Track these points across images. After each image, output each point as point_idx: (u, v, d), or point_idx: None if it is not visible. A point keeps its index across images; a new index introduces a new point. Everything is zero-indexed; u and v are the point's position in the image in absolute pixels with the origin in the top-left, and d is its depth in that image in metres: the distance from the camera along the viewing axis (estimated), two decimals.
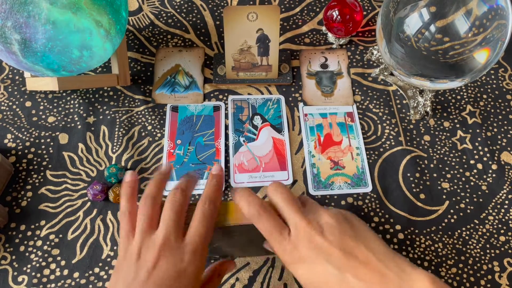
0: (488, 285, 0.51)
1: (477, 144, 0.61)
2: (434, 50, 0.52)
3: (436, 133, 0.62)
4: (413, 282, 0.33)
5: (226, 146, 0.60)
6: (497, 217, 0.56)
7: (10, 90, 0.63)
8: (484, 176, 0.59)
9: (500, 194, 0.57)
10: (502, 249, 0.54)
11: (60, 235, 0.53)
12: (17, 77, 0.65)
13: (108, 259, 0.52)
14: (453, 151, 0.60)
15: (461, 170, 0.59)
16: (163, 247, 0.36)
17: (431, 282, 0.33)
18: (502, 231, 0.55)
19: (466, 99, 0.65)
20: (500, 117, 0.64)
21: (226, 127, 0.61)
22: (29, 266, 0.51)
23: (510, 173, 0.59)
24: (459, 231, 0.55)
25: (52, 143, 0.59)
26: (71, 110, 0.62)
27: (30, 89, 0.62)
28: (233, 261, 0.47)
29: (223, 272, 0.45)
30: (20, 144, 0.59)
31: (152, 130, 0.61)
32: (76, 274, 0.51)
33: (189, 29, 0.71)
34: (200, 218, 0.38)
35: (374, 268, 0.34)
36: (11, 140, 0.59)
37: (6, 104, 0.62)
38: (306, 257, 0.35)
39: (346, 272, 0.34)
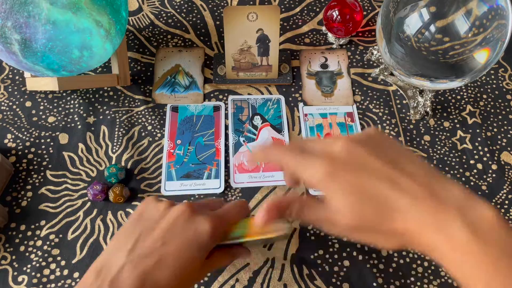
0: None
1: (477, 144, 0.61)
2: (434, 50, 0.52)
3: (436, 133, 0.62)
4: (477, 208, 0.29)
5: (226, 146, 0.60)
6: None
7: (10, 90, 0.63)
8: (484, 176, 0.59)
9: (500, 194, 0.57)
10: None
11: (60, 235, 0.53)
12: (17, 77, 0.65)
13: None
14: (453, 151, 0.60)
15: (461, 170, 0.59)
16: (183, 208, 0.38)
17: (496, 213, 0.28)
18: None
19: (466, 99, 0.65)
20: (500, 117, 0.64)
21: (226, 127, 0.61)
22: (29, 266, 0.51)
23: (510, 173, 0.59)
24: None
25: (52, 143, 0.59)
26: (71, 110, 0.62)
27: (30, 89, 0.62)
28: (250, 251, 0.45)
29: (236, 256, 0.43)
30: (20, 144, 0.59)
31: (152, 130, 0.61)
32: (76, 274, 0.51)
33: (189, 29, 0.71)
34: (226, 207, 0.40)
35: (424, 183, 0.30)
36: (11, 140, 0.59)
37: (6, 104, 0.62)
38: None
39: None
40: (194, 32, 0.70)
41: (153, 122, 0.61)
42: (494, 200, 0.57)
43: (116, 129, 0.60)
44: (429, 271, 0.52)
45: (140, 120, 0.61)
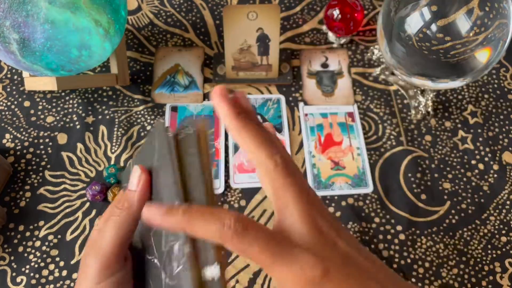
0: (490, 286, 0.51)
1: (478, 144, 0.61)
2: (435, 50, 0.51)
3: (438, 133, 0.62)
4: None
5: (226, 146, 0.59)
6: (498, 217, 0.55)
7: (8, 89, 0.63)
8: (486, 177, 0.58)
9: (502, 195, 0.57)
10: (504, 249, 0.53)
11: (59, 236, 0.52)
12: (15, 77, 0.64)
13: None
14: (455, 151, 0.60)
15: (462, 171, 0.59)
16: None
17: None
18: (503, 232, 0.54)
19: (468, 99, 0.65)
20: (501, 117, 0.63)
21: None
22: (27, 266, 0.50)
23: (511, 174, 0.59)
24: (460, 231, 0.54)
25: (50, 143, 0.59)
26: (70, 110, 0.61)
27: (28, 88, 0.61)
28: None
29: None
30: (19, 144, 0.59)
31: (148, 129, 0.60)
32: (75, 275, 0.50)
33: (189, 28, 0.70)
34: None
35: None
36: (10, 140, 0.59)
37: (4, 104, 0.62)
38: None
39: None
40: (193, 31, 0.70)
41: (152, 122, 0.61)
42: (495, 201, 0.56)
43: (115, 129, 0.60)
44: (430, 272, 0.52)
45: (139, 120, 0.61)
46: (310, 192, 0.27)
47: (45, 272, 0.50)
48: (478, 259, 0.53)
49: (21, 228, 0.53)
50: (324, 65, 0.67)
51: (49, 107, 0.62)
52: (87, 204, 0.55)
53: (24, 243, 0.52)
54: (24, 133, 0.59)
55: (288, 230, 0.25)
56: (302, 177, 0.27)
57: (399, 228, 0.54)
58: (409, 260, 0.52)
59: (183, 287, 0.23)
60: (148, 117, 0.61)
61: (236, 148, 0.59)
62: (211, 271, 0.23)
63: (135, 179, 0.29)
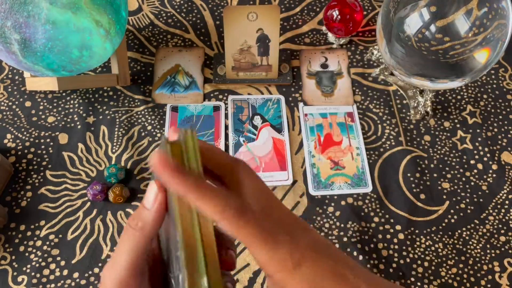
0: (489, 285, 0.51)
1: (477, 144, 0.61)
2: (435, 50, 0.52)
3: (437, 133, 0.62)
4: None
5: (226, 146, 0.60)
6: (497, 217, 0.56)
7: (10, 90, 0.63)
8: (485, 176, 0.58)
9: (501, 194, 0.57)
10: (503, 249, 0.53)
11: (60, 235, 0.53)
12: (16, 77, 0.65)
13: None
14: (454, 151, 0.60)
15: (461, 170, 0.59)
16: None
17: None
18: (502, 231, 0.55)
19: (467, 99, 0.65)
20: (500, 117, 0.64)
21: (226, 127, 0.61)
22: (28, 266, 0.51)
23: (510, 173, 0.59)
24: (459, 231, 0.55)
25: (52, 143, 0.59)
26: (71, 110, 0.62)
27: (30, 89, 0.62)
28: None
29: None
30: (20, 144, 0.59)
31: (152, 130, 0.61)
32: (76, 275, 0.51)
33: (189, 29, 0.71)
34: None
35: None
36: (11, 140, 0.59)
37: (5, 104, 0.62)
38: None
39: None
40: (194, 32, 0.70)
41: (153, 122, 0.61)
42: (494, 200, 0.57)
43: (116, 129, 0.60)
44: (429, 271, 0.52)
45: (140, 120, 0.61)
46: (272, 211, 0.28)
47: (46, 272, 0.50)
48: (477, 259, 0.53)
49: (22, 227, 0.53)
50: (324, 65, 0.68)
51: (50, 107, 0.62)
52: (88, 203, 0.55)
53: (25, 242, 0.52)
54: (25, 133, 0.60)
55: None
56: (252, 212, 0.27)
57: (398, 227, 0.54)
58: (408, 260, 0.52)
59: None
60: (149, 117, 0.61)
61: (236, 148, 0.59)
62: None
63: (152, 196, 0.27)
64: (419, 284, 0.51)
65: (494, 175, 0.58)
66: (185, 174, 0.24)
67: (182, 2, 0.74)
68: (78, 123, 0.61)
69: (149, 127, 0.61)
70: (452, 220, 0.55)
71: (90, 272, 0.51)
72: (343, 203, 0.56)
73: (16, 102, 0.62)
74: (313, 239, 0.28)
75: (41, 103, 0.62)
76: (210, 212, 0.25)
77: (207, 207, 0.25)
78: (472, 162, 0.60)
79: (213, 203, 0.25)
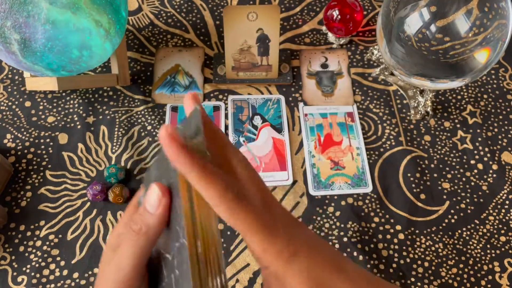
0: (489, 286, 0.51)
1: (477, 144, 0.61)
2: (435, 50, 0.52)
3: (437, 133, 0.62)
4: None
5: None
6: (497, 217, 0.56)
7: (9, 90, 0.63)
8: (485, 176, 0.58)
9: (501, 194, 0.57)
10: (503, 249, 0.53)
11: (60, 235, 0.53)
12: (16, 77, 0.64)
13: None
14: (454, 151, 0.60)
15: (461, 170, 0.59)
16: None
17: None
18: (502, 231, 0.55)
19: (467, 99, 0.65)
20: (500, 117, 0.64)
21: (226, 127, 0.61)
22: (28, 266, 0.51)
23: (510, 173, 0.59)
24: (459, 231, 0.55)
25: (51, 143, 0.59)
26: (71, 110, 0.62)
27: (29, 89, 0.62)
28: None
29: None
30: (20, 144, 0.59)
31: (152, 130, 0.60)
32: (75, 275, 0.50)
33: (189, 28, 0.71)
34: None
35: None
36: (11, 140, 0.59)
37: (5, 104, 0.62)
38: None
39: None
40: (194, 31, 0.70)
41: (152, 122, 0.61)
42: (494, 201, 0.57)
43: (116, 129, 0.60)
44: (430, 272, 0.52)
45: (139, 120, 0.61)
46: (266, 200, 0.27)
47: (46, 272, 0.50)
48: (477, 259, 0.53)
49: (22, 227, 0.53)
50: (324, 65, 0.68)
51: (50, 107, 0.62)
52: (88, 203, 0.55)
53: (25, 242, 0.52)
54: (25, 133, 0.60)
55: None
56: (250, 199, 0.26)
57: (398, 227, 0.54)
58: (408, 260, 0.52)
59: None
60: (149, 117, 0.61)
61: (238, 146, 0.59)
62: None
63: (155, 200, 0.27)
64: (419, 284, 0.51)
65: (495, 175, 0.58)
66: (191, 151, 0.24)
67: (182, 2, 0.73)
68: (78, 123, 0.61)
69: (149, 127, 0.61)
70: (452, 220, 0.55)
71: (90, 272, 0.51)
72: (343, 203, 0.56)
73: (16, 102, 0.62)
74: (310, 235, 0.28)
75: (41, 103, 0.62)
76: (211, 193, 0.24)
77: (208, 187, 0.24)
78: (472, 162, 0.60)
79: (215, 184, 0.24)
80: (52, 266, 0.51)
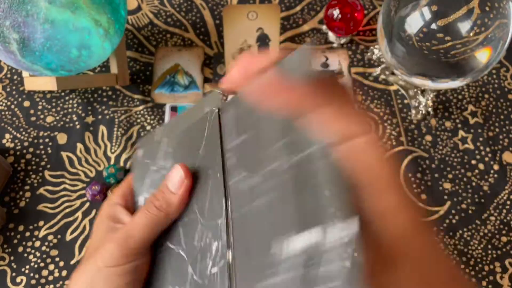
0: (490, 286, 0.51)
1: (478, 144, 0.61)
2: (436, 50, 0.51)
3: (438, 133, 0.61)
4: None
5: None
6: (498, 217, 0.55)
7: (8, 89, 0.63)
8: (486, 177, 0.58)
9: (502, 195, 0.57)
10: (504, 250, 0.53)
11: (59, 236, 0.52)
12: (15, 77, 0.64)
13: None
14: (455, 151, 0.60)
15: (462, 171, 0.59)
16: None
17: None
18: (503, 232, 0.54)
19: (468, 99, 0.65)
20: (502, 117, 0.63)
21: None
22: (27, 267, 0.50)
23: (511, 174, 0.59)
24: (460, 231, 0.54)
25: (50, 143, 0.59)
26: (70, 110, 0.61)
27: (28, 88, 0.61)
28: None
29: None
30: (19, 144, 0.59)
31: (151, 130, 0.60)
32: None
33: (189, 28, 0.70)
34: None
35: None
36: (9, 140, 0.59)
37: (4, 104, 0.62)
38: None
39: None
40: (193, 31, 0.70)
41: (152, 122, 0.61)
42: (495, 201, 0.56)
43: (115, 129, 0.60)
44: None
45: (139, 120, 0.61)
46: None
47: (45, 272, 0.50)
48: (478, 259, 0.53)
49: (20, 228, 0.53)
50: (324, 65, 0.67)
51: (49, 107, 0.62)
52: (87, 204, 0.55)
53: (24, 243, 0.52)
54: (24, 133, 0.59)
55: None
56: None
57: None
58: None
59: None
60: (148, 117, 0.61)
61: None
62: None
63: (177, 179, 0.27)
64: None
65: (496, 175, 0.58)
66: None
67: (181, 1, 0.73)
68: (77, 123, 0.60)
69: (149, 127, 0.60)
70: (453, 221, 0.55)
71: None
72: None
73: (15, 102, 0.62)
74: None
75: (40, 103, 0.62)
76: None
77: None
78: (474, 162, 0.59)
79: None
80: (51, 267, 0.51)
